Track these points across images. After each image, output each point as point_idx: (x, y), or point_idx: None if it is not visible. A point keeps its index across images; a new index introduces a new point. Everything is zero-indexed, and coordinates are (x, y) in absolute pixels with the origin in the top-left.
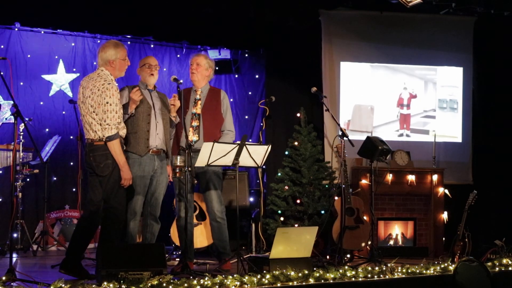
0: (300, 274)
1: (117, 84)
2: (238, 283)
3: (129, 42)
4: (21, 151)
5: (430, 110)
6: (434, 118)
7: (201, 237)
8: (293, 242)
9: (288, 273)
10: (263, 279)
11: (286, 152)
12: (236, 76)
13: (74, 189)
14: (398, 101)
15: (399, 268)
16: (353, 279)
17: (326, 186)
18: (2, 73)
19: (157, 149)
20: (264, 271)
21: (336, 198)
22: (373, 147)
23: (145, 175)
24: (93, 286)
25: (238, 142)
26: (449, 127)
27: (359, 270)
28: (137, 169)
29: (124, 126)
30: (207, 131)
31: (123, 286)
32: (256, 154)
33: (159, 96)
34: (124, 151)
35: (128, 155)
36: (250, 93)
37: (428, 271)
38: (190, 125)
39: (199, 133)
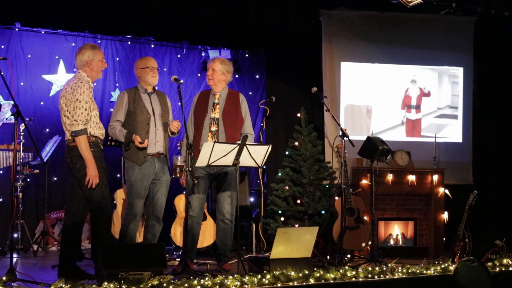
0: (300, 274)
1: (93, 85)
2: (238, 283)
3: (129, 42)
4: (21, 151)
5: (445, 107)
6: (457, 118)
7: (201, 237)
8: (294, 242)
9: (289, 273)
10: (264, 279)
11: (287, 152)
12: (237, 76)
13: None
14: (403, 101)
15: (400, 268)
16: (354, 279)
17: (327, 186)
18: (2, 73)
19: (156, 153)
20: (265, 271)
21: (336, 198)
22: (373, 147)
23: (145, 178)
24: (94, 286)
25: (238, 142)
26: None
27: (359, 270)
28: (137, 173)
29: (102, 127)
30: (229, 135)
31: (123, 286)
32: (256, 154)
33: (159, 99)
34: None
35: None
36: (250, 93)
37: (429, 271)
38: (209, 129)
39: (217, 138)
